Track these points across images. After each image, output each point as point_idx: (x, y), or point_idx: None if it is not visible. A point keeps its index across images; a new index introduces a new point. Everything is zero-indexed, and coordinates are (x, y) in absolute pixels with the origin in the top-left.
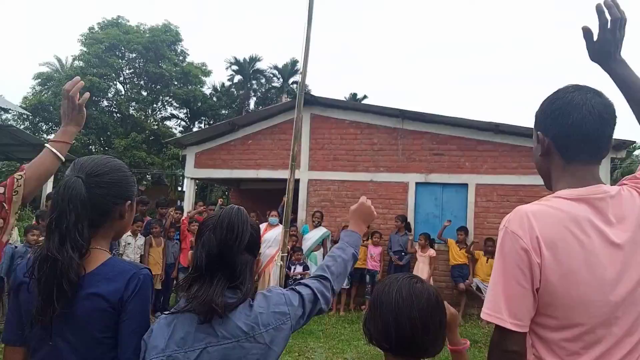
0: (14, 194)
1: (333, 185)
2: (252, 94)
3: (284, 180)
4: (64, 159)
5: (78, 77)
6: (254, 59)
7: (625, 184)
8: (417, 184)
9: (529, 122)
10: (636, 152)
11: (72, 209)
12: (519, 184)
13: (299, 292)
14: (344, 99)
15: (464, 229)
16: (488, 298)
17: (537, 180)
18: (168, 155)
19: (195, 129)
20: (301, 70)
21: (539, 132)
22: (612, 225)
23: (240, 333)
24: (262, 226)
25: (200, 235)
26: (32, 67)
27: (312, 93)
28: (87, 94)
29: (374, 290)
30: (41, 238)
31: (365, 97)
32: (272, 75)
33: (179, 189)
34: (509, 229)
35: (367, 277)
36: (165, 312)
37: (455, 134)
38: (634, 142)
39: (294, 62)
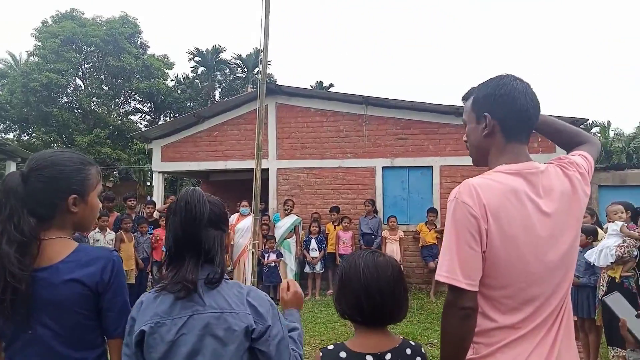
0: None
1: (302, 173)
2: (217, 85)
3: (250, 171)
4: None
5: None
6: (217, 50)
7: (551, 163)
8: (383, 168)
9: None
10: (594, 130)
11: (7, 202)
12: None
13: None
14: (309, 87)
15: (433, 210)
16: (443, 262)
17: None
18: (134, 150)
19: (160, 123)
20: (263, 59)
21: (486, 114)
22: (542, 197)
23: (226, 306)
24: (234, 217)
25: (166, 221)
26: None
27: (278, 82)
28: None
29: (340, 268)
30: None
31: (331, 85)
32: (236, 66)
33: (148, 184)
34: (460, 200)
35: (341, 260)
36: (150, 290)
37: (418, 119)
38: (587, 119)
39: (258, 52)
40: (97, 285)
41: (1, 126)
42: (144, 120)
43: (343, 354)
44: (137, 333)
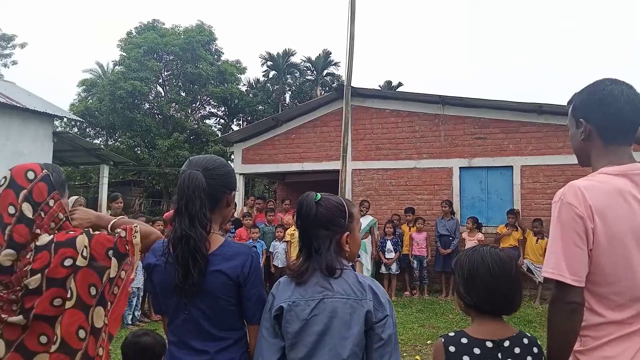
0: (133, 237)
1: (377, 174)
2: (287, 88)
3: (328, 172)
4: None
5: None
6: (287, 53)
7: None
8: (461, 168)
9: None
10: None
11: (197, 196)
12: (566, 164)
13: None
14: (379, 88)
15: (513, 212)
16: (549, 260)
17: None
18: (210, 152)
19: (233, 126)
20: (346, 63)
21: (581, 119)
22: None
23: (351, 292)
24: None
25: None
26: (76, 75)
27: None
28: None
29: (460, 263)
30: None
31: (400, 84)
32: (305, 69)
33: None
34: (565, 201)
35: (415, 262)
36: (285, 275)
37: (497, 117)
38: None
39: (327, 54)
40: (238, 278)
41: (92, 132)
42: (218, 124)
43: (464, 340)
44: (276, 308)
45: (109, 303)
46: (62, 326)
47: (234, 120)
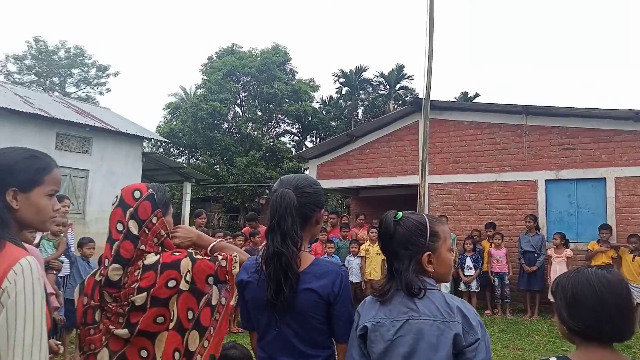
0: (233, 267)
1: (455, 188)
2: (360, 103)
3: (403, 187)
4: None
5: None
6: (360, 69)
7: None
8: (546, 181)
9: None
10: None
11: (289, 214)
12: None
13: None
14: (455, 100)
15: (606, 227)
16: None
17: None
18: (284, 169)
19: (307, 143)
20: (424, 76)
21: None
22: None
23: (438, 314)
24: None
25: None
26: (162, 98)
27: (421, 97)
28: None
29: (561, 285)
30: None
31: (477, 95)
32: (378, 83)
33: None
34: None
35: (496, 280)
36: (372, 295)
37: (587, 126)
38: None
39: (400, 68)
40: (329, 296)
41: (175, 151)
42: (293, 141)
43: None
44: (361, 327)
45: (212, 328)
46: (165, 348)
47: (308, 136)
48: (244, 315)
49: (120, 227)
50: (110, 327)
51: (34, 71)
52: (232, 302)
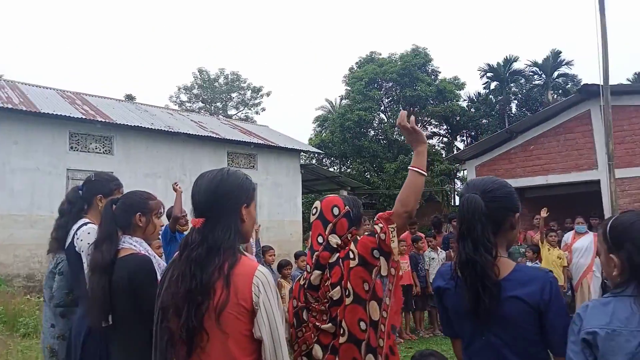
0: (391, 240)
1: None
2: (512, 97)
3: (575, 184)
4: (425, 174)
5: (403, 112)
6: (509, 61)
7: None
8: None
9: None
10: None
11: (477, 220)
12: None
13: None
14: (629, 82)
15: None
16: None
17: None
18: (436, 172)
19: (457, 143)
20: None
21: None
22: None
23: None
24: (569, 235)
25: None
26: (310, 113)
27: (583, 83)
28: (412, 118)
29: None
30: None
31: None
32: (531, 74)
33: (452, 204)
34: None
35: None
36: (603, 295)
37: None
38: None
39: (556, 54)
40: (538, 304)
41: (327, 162)
42: (441, 143)
43: None
44: (589, 332)
45: (387, 299)
46: (346, 319)
47: (457, 137)
48: (444, 321)
49: (320, 239)
50: (317, 323)
51: (200, 99)
52: (401, 272)
